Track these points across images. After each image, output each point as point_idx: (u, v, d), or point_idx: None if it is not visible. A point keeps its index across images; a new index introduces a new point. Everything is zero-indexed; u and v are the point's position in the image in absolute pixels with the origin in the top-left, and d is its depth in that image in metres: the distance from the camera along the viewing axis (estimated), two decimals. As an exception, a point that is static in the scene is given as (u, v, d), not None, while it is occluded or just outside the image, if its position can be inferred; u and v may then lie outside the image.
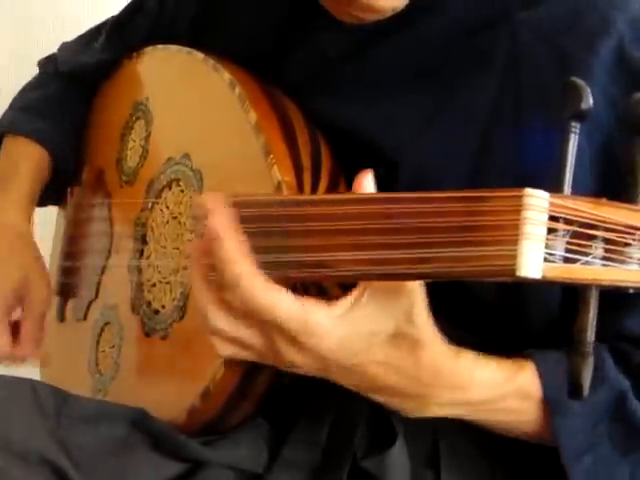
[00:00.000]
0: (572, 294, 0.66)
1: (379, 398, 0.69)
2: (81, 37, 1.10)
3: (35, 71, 1.10)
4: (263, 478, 0.79)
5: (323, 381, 0.78)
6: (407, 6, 0.79)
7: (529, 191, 0.50)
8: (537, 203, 0.50)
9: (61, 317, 1.04)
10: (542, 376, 0.70)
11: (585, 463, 0.69)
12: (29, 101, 1.06)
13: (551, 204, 0.50)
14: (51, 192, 1.04)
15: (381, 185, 0.63)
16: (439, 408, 0.69)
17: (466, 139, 0.75)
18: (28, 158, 1.01)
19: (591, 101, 0.52)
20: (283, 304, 0.61)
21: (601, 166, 0.70)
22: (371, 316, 0.62)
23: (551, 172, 0.70)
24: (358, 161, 0.77)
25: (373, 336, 0.63)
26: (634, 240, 0.51)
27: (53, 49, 1.10)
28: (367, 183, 0.62)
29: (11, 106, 1.06)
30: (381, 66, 0.81)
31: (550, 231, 0.50)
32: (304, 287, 0.73)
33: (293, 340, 0.63)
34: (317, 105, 0.82)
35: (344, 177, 0.78)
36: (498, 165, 0.74)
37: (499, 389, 0.69)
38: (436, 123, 0.77)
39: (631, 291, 0.52)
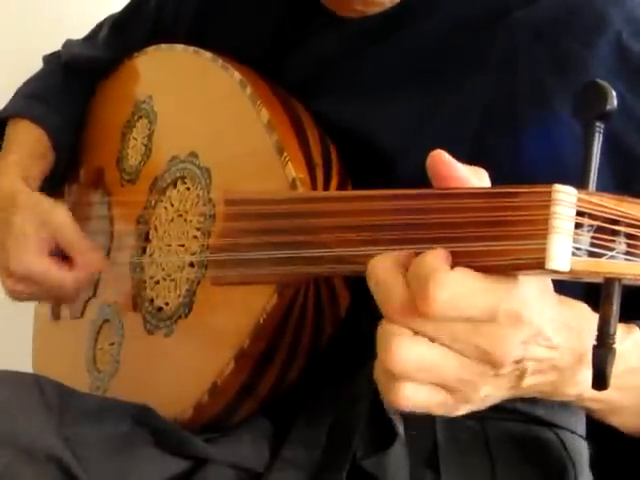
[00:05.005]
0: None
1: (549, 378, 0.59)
2: (85, 36, 1.11)
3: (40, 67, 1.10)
4: (263, 477, 0.79)
5: (323, 381, 0.79)
6: (406, 5, 0.80)
7: (558, 187, 0.50)
8: (566, 199, 0.50)
9: (55, 315, 1.04)
10: None
11: None
12: (31, 89, 1.07)
13: (578, 199, 0.51)
14: (50, 178, 1.03)
15: (380, 184, 0.61)
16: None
17: (460, 138, 0.75)
18: (27, 136, 1.02)
19: (615, 102, 0.54)
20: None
21: (614, 160, 0.70)
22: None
23: (548, 169, 0.71)
24: (357, 160, 0.78)
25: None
26: (656, 236, 0.52)
27: (58, 47, 1.11)
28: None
29: (14, 95, 1.07)
30: (379, 66, 0.82)
31: (577, 226, 0.51)
32: (316, 285, 0.74)
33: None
34: (316, 104, 0.83)
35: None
36: (492, 163, 0.74)
37: (625, 341, 0.61)
38: (430, 123, 0.77)
39: (651, 286, 0.54)
